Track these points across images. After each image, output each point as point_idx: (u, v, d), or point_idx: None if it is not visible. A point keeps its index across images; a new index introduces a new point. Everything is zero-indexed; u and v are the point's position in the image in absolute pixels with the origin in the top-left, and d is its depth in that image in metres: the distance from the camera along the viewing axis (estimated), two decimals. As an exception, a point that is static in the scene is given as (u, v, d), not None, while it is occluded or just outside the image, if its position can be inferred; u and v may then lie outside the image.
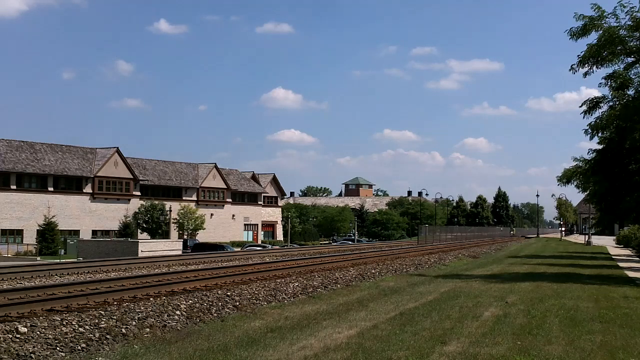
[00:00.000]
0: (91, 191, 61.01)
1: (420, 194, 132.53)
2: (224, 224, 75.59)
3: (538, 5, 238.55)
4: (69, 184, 59.95)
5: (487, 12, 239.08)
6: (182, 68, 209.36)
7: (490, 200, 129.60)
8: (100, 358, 9.23)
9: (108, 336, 10.42)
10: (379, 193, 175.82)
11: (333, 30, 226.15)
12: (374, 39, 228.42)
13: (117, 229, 60.54)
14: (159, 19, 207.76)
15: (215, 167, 75.53)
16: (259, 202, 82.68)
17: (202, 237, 66.18)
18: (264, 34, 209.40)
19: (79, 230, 59.28)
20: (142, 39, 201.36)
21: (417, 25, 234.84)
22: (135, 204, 63.55)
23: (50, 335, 10.01)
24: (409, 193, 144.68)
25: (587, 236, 65.71)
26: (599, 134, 26.71)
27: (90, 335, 10.34)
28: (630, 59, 23.99)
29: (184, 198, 70.98)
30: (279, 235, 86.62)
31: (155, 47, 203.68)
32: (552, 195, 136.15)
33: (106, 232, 61.37)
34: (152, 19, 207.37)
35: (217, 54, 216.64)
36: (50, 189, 57.93)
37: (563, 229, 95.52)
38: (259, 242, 71.30)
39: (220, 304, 14.05)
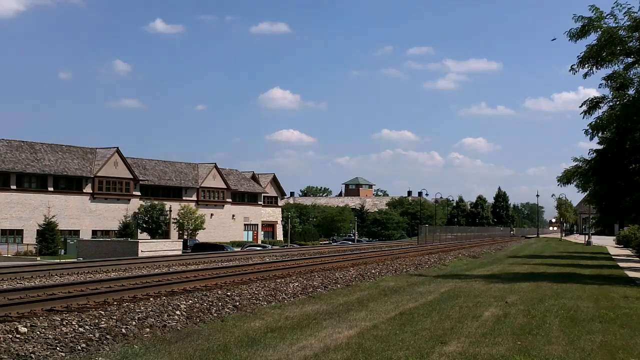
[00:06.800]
0: (91, 191, 61.00)
1: (420, 194, 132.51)
2: (224, 224, 75.58)
3: (535, 5, 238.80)
4: (69, 184, 59.95)
5: (484, 11, 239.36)
6: (179, 68, 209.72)
7: (490, 200, 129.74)
8: (100, 358, 9.23)
9: (108, 336, 10.42)
10: (379, 193, 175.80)
11: (329, 30, 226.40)
12: (370, 38, 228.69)
13: (117, 229, 60.49)
14: (154, 18, 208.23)
15: (215, 167, 75.52)
16: (259, 202, 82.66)
17: (202, 237, 66.17)
18: (260, 33, 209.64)
19: (79, 230, 59.28)
20: (139, 39, 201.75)
21: (412, 25, 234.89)
22: (135, 204, 63.55)
23: (50, 335, 10.01)
24: (409, 193, 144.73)
25: (587, 236, 65.74)
26: (599, 134, 26.69)
27: (90, 335, 10.34)
28: (629, 59, 24.01)
29: (184, 198, 70.98)
30: (279, 235, 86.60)
31: (152, 47, 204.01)
32: (552, 195, 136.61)
33: (106, 232, 61.36)
34: (148, 19, 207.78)
35: (213, 53, 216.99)
36: (50, 189, 57.93)
37: (555, 228, 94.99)
38: (259, 242, 71.29)
39: (220, 304, 14.04)
